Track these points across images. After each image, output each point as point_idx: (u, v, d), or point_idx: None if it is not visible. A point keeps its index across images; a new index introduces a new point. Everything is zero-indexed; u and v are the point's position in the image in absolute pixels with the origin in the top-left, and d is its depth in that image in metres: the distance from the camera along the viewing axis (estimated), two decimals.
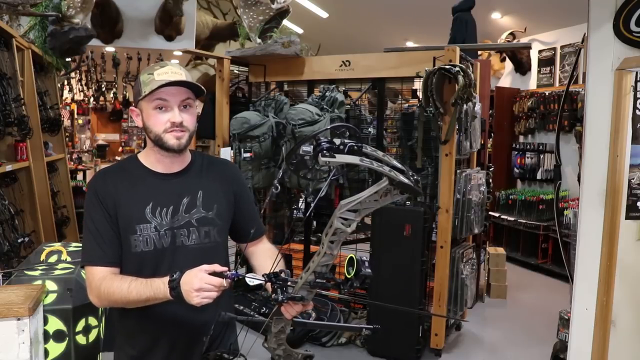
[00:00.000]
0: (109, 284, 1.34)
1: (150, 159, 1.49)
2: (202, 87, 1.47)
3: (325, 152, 1.04)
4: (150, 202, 1.42)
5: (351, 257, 1.15)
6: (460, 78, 3.21)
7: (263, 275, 1.23)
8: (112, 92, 9.42)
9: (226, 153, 4.07)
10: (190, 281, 1.23)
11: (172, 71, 1.41)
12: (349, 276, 1.14)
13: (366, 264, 1.14)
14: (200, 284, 1.22)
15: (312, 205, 3.95)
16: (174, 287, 1.25)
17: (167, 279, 1.28)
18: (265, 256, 1.55)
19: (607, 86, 2.13)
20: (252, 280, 1.26)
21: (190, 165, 1.52)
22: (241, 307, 3.91)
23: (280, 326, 1.32)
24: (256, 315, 1.56)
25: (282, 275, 1.24)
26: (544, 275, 5.83)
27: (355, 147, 1.05)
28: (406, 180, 1.02)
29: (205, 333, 1.42)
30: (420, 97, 3.66)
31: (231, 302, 1.60)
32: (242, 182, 1.65)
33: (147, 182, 1.45)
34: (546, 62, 7.03)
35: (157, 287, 1.29)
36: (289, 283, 1.22)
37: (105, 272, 1.38)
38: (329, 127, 1.11)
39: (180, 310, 1.40)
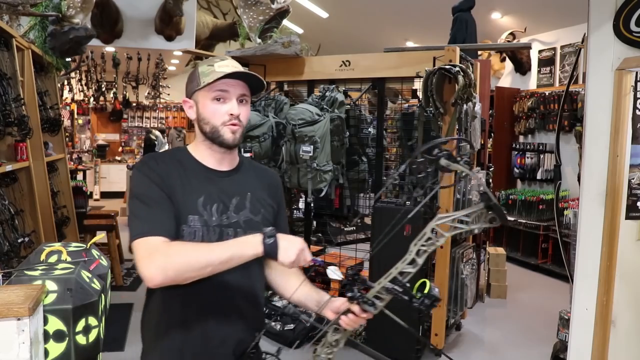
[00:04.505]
0: (180, 246, 1.25)
1: (200, 152, 1.44)
2: (263, 81, 1.44)
3: (445, 158, 1.16)
4: (202, 195, 1.37)
5: (424, 281, 1.19)
6: (460, 78, 3.21)
7: (346, 270, 1.25)
8: (112, 92, 9.44)
9: None
10: (294, 240, 1.23)
11: (233, 65, 1.39)
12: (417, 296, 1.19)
13: (436, 290, 1.20)
14: (304, 246, 1.23)
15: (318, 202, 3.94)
16: (270, 234, 1.22)
17: (254, 234, 1.24)
18: (290, 273, 1.49)
19: (607, 86, 2.13)
20: (333, 272, 1.29)
21: (240, 166, 1.49)
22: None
23: (336, 338, 1.31)
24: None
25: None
26: (544, 275, 5.83)
27: (468, 162, 1.17)
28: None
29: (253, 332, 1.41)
30: (420, 97, 3.66)
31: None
32: (282, 193, 1.60)
33: (199, 175, 1.40)
34: (546, 62, 7.03)
35: (244, 241, 1.24)
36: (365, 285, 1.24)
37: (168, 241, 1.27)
38: (453, 138, 1.22)
39: (228, 306, 1.38)
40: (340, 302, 1.33)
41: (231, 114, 1.37)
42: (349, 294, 1.21)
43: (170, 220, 1.31)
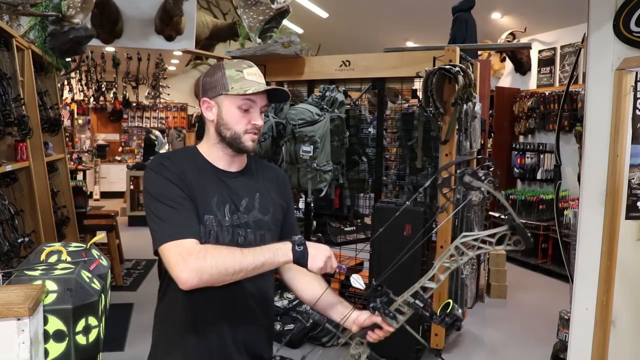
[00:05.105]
0: (214, 250, 1.25)
1: (212, 154, 1.45)
2: (289, 93, 1.49)
3: (470, 175, 1.23)
4: (216, 195, 1.39)
5: (448, 302, 1.23)
6: (460, 78, 3.21)
7: (371, 281, 1.26)
8: (112, 92, 9.44)
9: None
10: (322, 248, 1.29)
11: (259, 74, 1.42)
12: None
13: (459, 310, 1.24)
14: (331, 254, 1.28)
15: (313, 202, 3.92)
16: (299, 243, 1.26)
17: (284, 242, 1.29)
18: (311, 277, 1.49)
19: (607, 86, 2.13)
20: (356, 281, 1.32)
21: (248, 167, 1.50)
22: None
23: (359, 351, 1.34)
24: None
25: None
26: (544, 275, 5.83)
27: (493, 182, 1.24)
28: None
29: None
30: (420, 97, 3.66)
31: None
32: (290, 190, 1.62)
33: (211, 176, 1.42)
34: (546, 62, 7.03)
35: (275, 248, 1.27)
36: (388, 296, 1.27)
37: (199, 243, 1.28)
38: (479, 157, 1.27)
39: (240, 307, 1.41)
40: (365, 317, 1.36)
41: (254, 124, 1.40)
42: (372, 304, 1.25)
43: (196, 220, 1.32)
